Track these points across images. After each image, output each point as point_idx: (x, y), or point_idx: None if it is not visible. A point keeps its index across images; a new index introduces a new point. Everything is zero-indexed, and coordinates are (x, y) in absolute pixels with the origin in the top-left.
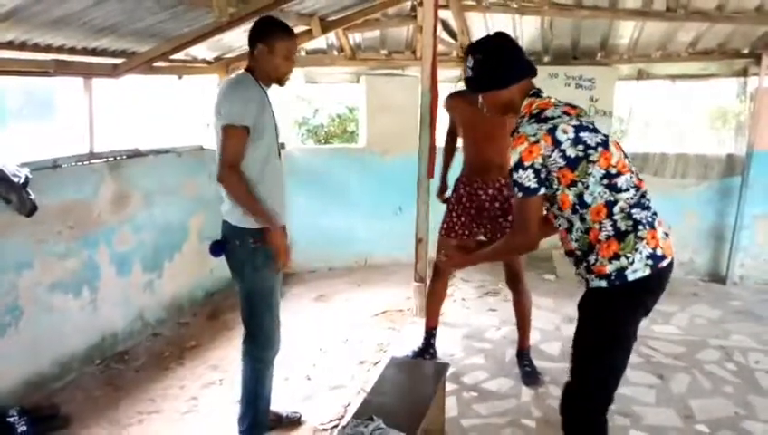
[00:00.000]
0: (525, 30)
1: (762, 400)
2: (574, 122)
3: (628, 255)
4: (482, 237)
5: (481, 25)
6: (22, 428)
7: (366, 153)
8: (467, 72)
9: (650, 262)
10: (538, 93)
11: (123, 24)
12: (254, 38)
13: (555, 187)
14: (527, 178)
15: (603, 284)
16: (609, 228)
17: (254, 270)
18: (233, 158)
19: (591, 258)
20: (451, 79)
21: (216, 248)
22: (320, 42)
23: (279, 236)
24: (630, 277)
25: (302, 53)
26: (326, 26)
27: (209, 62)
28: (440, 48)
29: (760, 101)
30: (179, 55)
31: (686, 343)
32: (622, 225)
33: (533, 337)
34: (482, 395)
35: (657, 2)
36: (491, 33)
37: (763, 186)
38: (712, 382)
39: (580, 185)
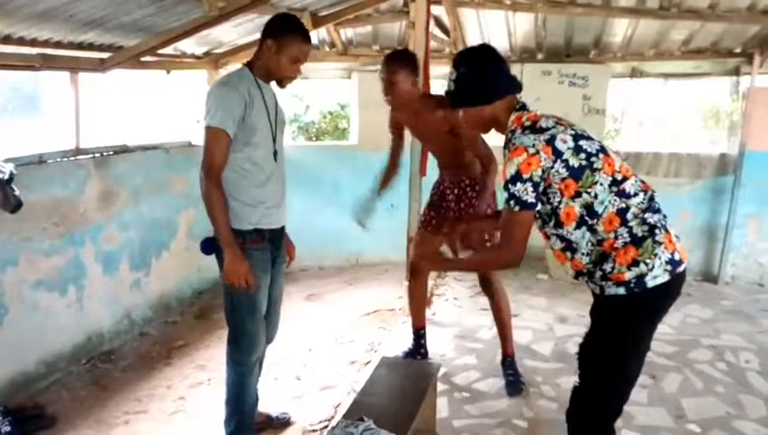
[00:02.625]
0: (518, 27)
1: (752, 399)
2: (570, 132)
3: (648, 261)
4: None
5: (474, 22)
6: (6, 428)
7: (357, 150)
8: (449, 85)
9: (669, 267)
10: (524, 107)
11: (110, 18)
12: (267, 32)
13: (557, 200)
14: (525, 191)
15: (621, 291)
16: (626, 235)
17: None
18: (210, 162)
19: (607, 266)
20: (443, 75)
21: (207, 246)
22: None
23: (232, 262)
24: (650, 284)
25: None
26: (317, 21)
27: (198, 57)
28: (432, 44)
29: (752, 100)
30: (168, 50)
31: (678, 342)
32: (638, 231)
33: (526, 337)
34: (473, 395)
35: (650, 0)
36: (476, 44)
37: (756, 186)
38: (703, 382)
39: (586, 195)
